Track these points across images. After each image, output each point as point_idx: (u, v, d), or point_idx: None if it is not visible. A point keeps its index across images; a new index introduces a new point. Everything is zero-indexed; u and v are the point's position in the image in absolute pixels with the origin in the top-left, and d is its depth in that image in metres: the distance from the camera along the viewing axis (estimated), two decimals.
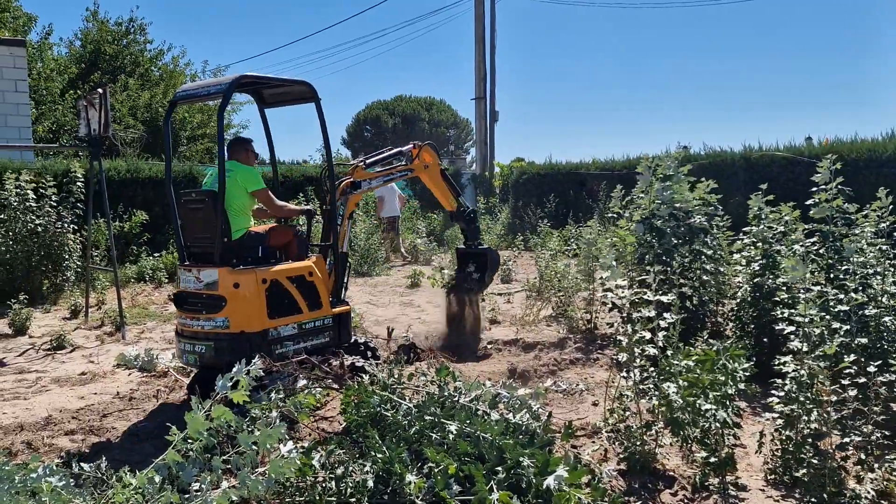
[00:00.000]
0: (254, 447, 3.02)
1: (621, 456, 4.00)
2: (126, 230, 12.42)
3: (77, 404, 5.56)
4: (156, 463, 2.92)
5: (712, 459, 3.81)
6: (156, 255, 12.35)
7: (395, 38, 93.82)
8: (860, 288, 4.73)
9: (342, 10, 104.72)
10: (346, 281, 6.08)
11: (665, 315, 4.09)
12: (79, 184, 10.36)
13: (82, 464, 3.12)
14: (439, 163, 7.14)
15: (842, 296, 4.44)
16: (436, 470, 3.03)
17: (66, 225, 10.22)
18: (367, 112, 45.85)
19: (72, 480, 2.79)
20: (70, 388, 6.05)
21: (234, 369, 3.05)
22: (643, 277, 4.29)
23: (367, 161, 6.45)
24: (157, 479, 2.85)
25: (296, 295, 5.34)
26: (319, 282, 5.50)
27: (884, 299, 4.71)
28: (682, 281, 6.10)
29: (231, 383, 3.00)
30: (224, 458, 3.07)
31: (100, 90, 8.18)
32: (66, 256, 10.25)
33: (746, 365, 3.94)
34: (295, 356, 5.01)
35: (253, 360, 3.12)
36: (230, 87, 5.15)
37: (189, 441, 2.99)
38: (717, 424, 3.76)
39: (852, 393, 3.73)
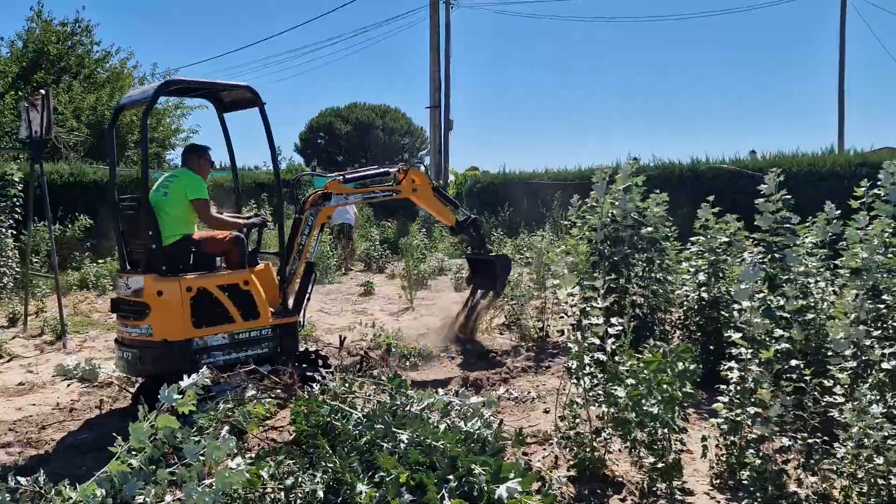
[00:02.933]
0: (200, 458, 2.95)
1: (571, 462, 4.04)
2: (69, 235, 12.03)
3: (14, 416, 5.36)
4: (97, 475, 2.83)
5: (659, 465, 3.88)
6: (100, 261, 11.98)
7: (350, 45, 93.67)
8: (801, 295, 4.89)
9: (294, 17, 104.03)
10: (309, 292, 5.93)
11: (613, 321, 4.15)
12: (17, 187, 10.02)
13: (19, 477, 3.00)
14: (430, 182, 6.96)
15: (783, 302, 4.58)
16: (387, 479, 3.01)
17: (3, 229, 9.86)
18: (321, 119, 45.47)
19: (7, 495, 2.68)
20: (7, 399, 5.82)
21: (185, 379, 2.98)
22: (593, 283, 4.35)
23: (347, 177, 6.33)
24: (99, 492, 2.76)
25: (227, 304, 5.22)
26: (257, 291, 5.37)
27: (824, 306, 4.89)
28: (632, 289, 6.21)
29: (177, 392, 2.93)
30: (170, 469, 2.99)
31: (42, 91, 7.98)
32: (4, 262, 9.89)
33: (693, 367, 4.00)
34: (226, 367, 4.88)
35: (201, 370, 3.06)
36: (156, 93, 5.26)
37: (133, 452, 2.91)
38: (664, 430, 3.83)
39: (790, 398, 3.84)
